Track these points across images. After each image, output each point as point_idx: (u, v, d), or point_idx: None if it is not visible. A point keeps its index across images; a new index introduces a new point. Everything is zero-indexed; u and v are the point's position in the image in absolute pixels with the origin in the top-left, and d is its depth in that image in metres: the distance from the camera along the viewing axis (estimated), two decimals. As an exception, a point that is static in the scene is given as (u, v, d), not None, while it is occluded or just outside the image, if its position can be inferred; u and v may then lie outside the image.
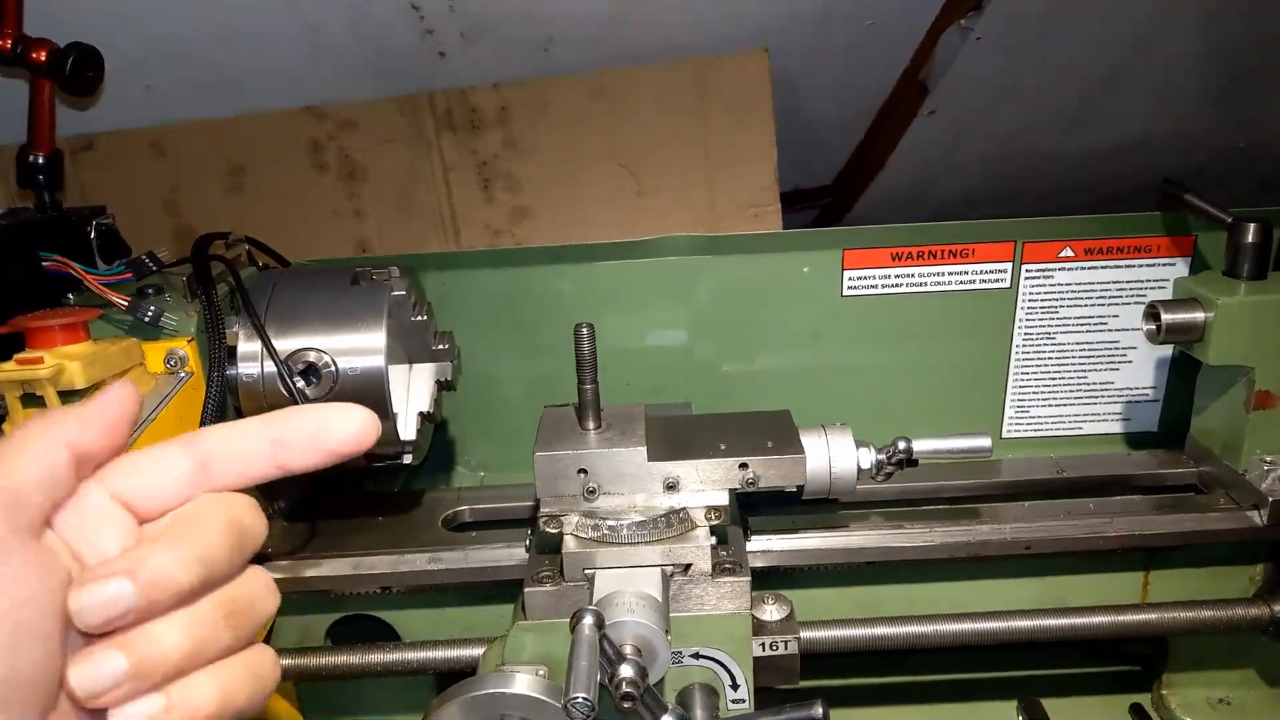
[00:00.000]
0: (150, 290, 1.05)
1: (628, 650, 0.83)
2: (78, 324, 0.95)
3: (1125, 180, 2.01)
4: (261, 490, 1.12)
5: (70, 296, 1.06)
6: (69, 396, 0.89)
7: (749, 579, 0.94)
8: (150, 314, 1.00)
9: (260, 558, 1.09)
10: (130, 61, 1.38)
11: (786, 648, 0.97)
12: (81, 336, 0.95)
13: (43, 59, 1.17)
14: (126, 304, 1.00)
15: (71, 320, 0.94)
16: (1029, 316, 1.26)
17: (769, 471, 0.95)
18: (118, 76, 1.35)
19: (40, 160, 1.19)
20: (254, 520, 0.49)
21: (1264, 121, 1.92)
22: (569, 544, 0.93)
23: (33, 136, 1.20)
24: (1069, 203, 2.12)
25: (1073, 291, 1.25)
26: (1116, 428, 1.32)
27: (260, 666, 0.49)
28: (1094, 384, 1.30)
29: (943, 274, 1.24)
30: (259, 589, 0.49)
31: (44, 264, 1.03)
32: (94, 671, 0.43)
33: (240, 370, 1.04)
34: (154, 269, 1.08)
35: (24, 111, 1.22)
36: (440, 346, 1.14)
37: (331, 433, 0.51)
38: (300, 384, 1.02)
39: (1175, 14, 1.60)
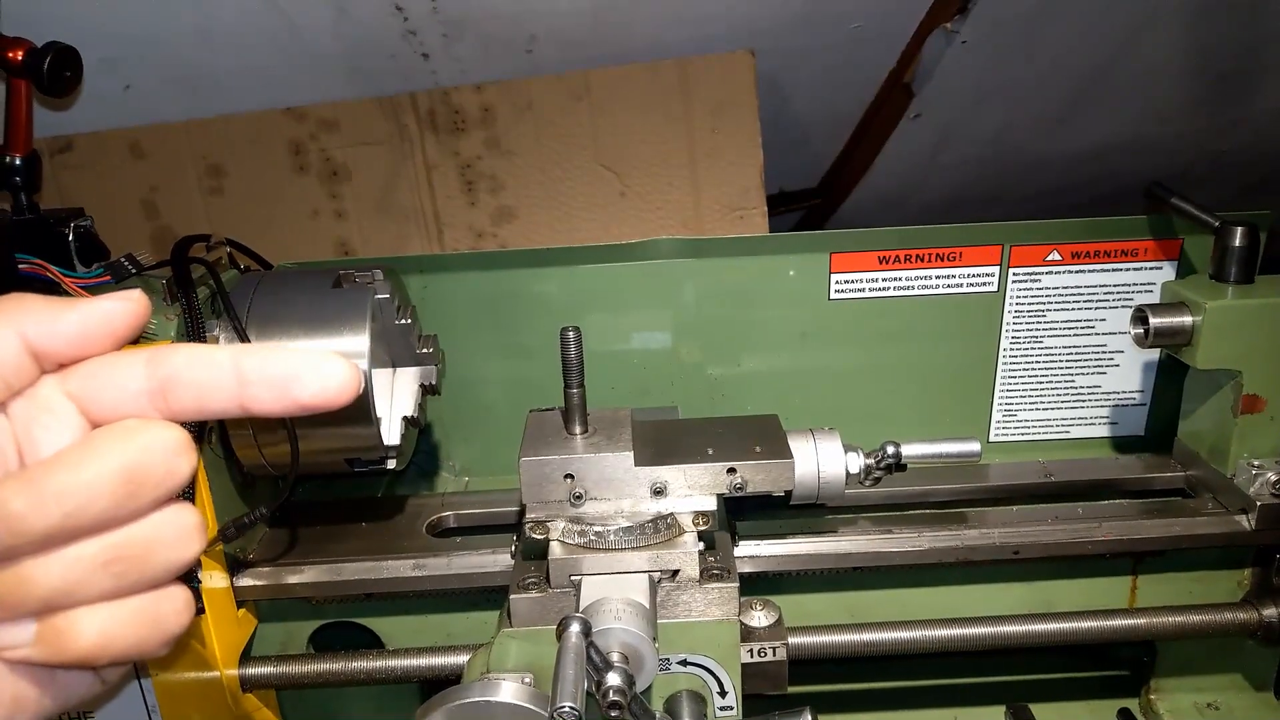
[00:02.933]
0: (129, 293, 1.03)
1: (615, 658, 0.82)
2: (54, 327, 0.92)
3: (1110, 183, 2.02)
4: (241, 496, 1.11)
5: (47, 299, 1.04)
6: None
7: (737, 585, 0.93)
8: (128, 317, 0.98)
9: (241, 564, 1.08)
10: (109, 61, 1.36)
11: (775, 654, 0.97)
12: (57, 340, 0.93)
13: (19, 59, 1.15)
14: (104, 307, 0.98)
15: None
16: (1016, 320, 1.26)
17: (757, 476, 0.94)
18: (97, 77, 1.33)
19: (17, 161, 1.17)
20: (166, 462, 0.45)
21: (1247, 125, 1.93)
22: (555, 550, 0.92)
23: (9, 137, 1.18)
24: (1055, 205, 2.12)
25: (1060, 295, 1.25)
26: (1103, 431, 1.32)
27: (158, 611, 0.47)
28: (1081, 388, 1.30)
29: (930, 277, 1.24)
30: (164, 535, 0.46)
31: (20, 267, 1.01)
32: None
33: (220, 374, 1.02)
34: (133, 272, 1.06)
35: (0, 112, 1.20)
36: (424, 350, 1.12)
37: (303, 383, 0.47)
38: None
39: (1159, 18, 1.60)
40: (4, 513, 0.41)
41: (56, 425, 0.46)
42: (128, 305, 0.47)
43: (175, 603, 0.48)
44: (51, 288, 1.03)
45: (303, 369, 0.47)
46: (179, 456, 0.45)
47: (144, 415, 0.46)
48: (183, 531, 0.46)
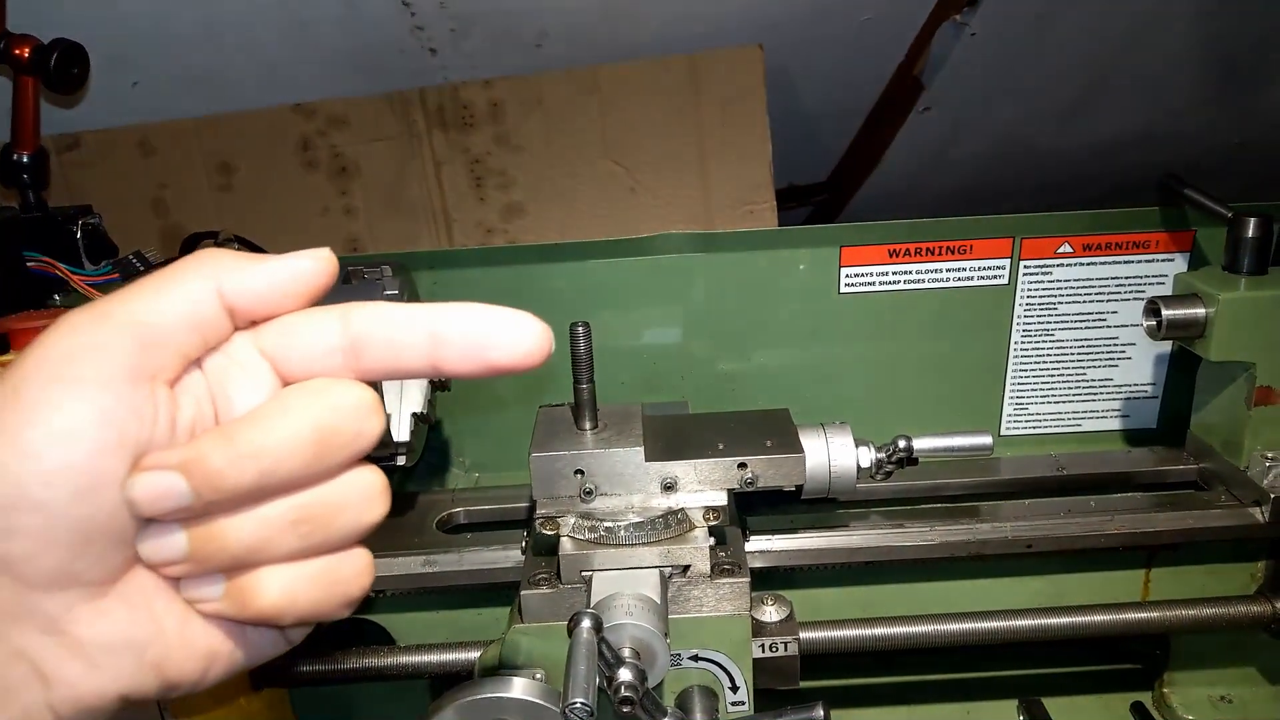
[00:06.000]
0: (138, 290, 1.03)
1: (626, 653, 0.82)
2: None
3: (1120, 176, 2.01)
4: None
5: (56, 297, 1.05)
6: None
7: (748, 580, 0.93)
8: (138, 315, 0.98)
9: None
10: (117, 58, 1.36)
11: (786, 649, 0.96)
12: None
13: (26, 56, 1.15)
14: (113, 304, 0.99)
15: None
16: (1027, 313, 1.25)
17: (768, 471, 0.94)
18: (105, 74, 1.34)
19: (24, 159, 1.17)
20: (356, 423, 0.44)
21: (1258, 117, 1.92)
22: (566, 546, 0.92)
23: (16, 135, 1.19)
24: (1064, 199, 2.11)
25: (1071, 288, 1.25)
26: (1115, 425, 1.32)
27: (340, 573, 0.46)
28: (1093, 381, 1.29)
29: (940, 271, 1.23)
30: (350, 497, 0.45)
31: (28, 264, 1.02)
32: (157, 544, 0.43)
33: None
34: (141, 269, 1.06)
35: (7, 109, 1.21)
36: (433, 346, 1.12)
37: (498, 344, 0.47)
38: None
39: (1170, 9, 1.60)
40: (204, 469, 0.41)
41: (250, 382, 0.46)
42: (320, 263, 0.47)
43: (357, 565, 0.47)
44: (60, 285, 1.03)
45: (498, 329, 0.47)
46: (368, 417, 0.45)
47: (335, 374, 0.46)
48: (368, 494, 0.46)
